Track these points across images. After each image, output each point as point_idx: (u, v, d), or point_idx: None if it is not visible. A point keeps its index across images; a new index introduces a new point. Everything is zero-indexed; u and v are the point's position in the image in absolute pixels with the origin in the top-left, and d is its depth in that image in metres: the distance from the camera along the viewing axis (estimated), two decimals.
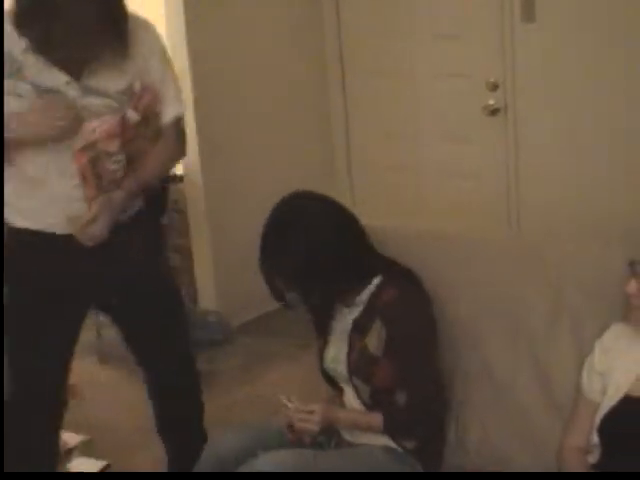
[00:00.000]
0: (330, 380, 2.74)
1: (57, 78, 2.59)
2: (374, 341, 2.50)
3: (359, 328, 2.55)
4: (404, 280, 2.57)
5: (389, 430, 2.52)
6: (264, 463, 2.43)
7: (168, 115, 2.80)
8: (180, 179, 5.21)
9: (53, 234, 2.74)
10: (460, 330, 2.67)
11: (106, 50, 2.56)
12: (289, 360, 4.27)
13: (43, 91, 2.59)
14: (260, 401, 3.81)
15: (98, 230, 2.70)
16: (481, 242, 2.80)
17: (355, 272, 2.54)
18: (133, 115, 2.71)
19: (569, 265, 2.63)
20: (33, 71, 2.57)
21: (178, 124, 2.85)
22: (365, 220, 2.61)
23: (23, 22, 2.46)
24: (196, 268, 5.15)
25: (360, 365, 2.54)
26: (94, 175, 2.68)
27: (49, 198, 2.71)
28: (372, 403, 2.56)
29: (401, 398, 2.50)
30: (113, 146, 2.67)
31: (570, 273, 2.60)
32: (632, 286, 2.22)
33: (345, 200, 5.35)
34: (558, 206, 4.67)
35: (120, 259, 2.83)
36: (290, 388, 3.61)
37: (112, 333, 3.42)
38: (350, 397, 2.64)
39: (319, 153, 5.52)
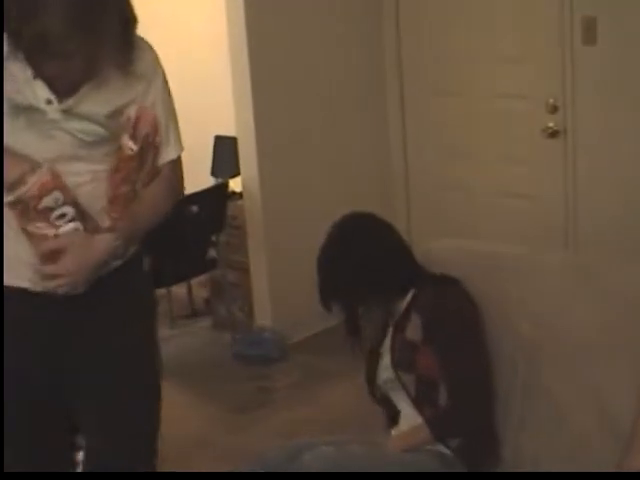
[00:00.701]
0: (383, 401, 2.78)
1: (38, 94, 2.15)
2: (411, 330, 2.63)
3: (399, 327, 2.67)
4: (440, 281, 2.72)
5: (433, 430, 2.58)
6: (311, 457, 2.49)
7: (169, 154, 2.40)
8: (239, 195, 5.26)
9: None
10: (520, 349, 2.67)
11: (109, 60, 2.10)
12: (345, 379, 4.27)
13: (21, 110, 2.15)
14: (316, 420, 3.82)
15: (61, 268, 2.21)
16: (539, 262, 2.79)
17: (396, 284, 2.72)
18: (130, 145, 2.30)
19: (627, 287, 2.62)
20: (10, 85, 2.13)
21: (177, 163, 2.45)
22: (420, 239, 2.66)
23: (14, 17, 1.99)
24: (253, 284, 5.18)
25: (402, 355, 2.65)
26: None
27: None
28: (418, 398, 2.62)
29: (444, 395, 2.59)
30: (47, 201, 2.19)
31: (628, 295, 2.59)
32: None
33: (401, 219, 5.47)
34: (616, 231, 4.63)
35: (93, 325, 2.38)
36: (346, 408, 3.63)
37: None
38: (401, 402, 2.69)
39: (377, 171, 5.54)
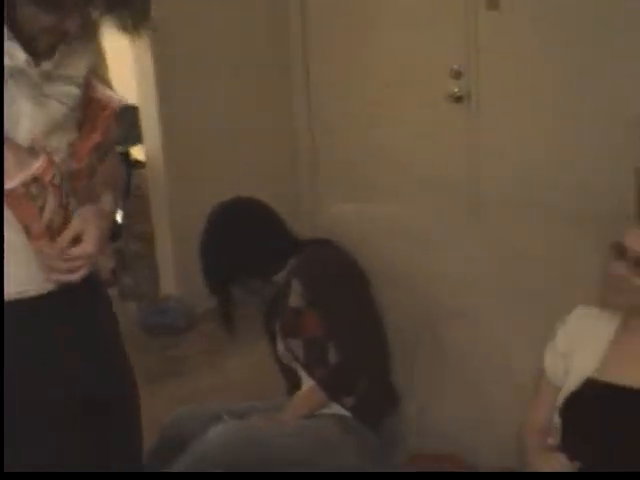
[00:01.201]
0: (285, 370, 2.81)
1: (16, 55, 1.89)
2: (294, 297, 2.67)
3: (282, 296, 2.71)
4: (317, 245, 2.79)
5: (326, 389, 2.61)
6: (214, 435, 2.49)
7: None
8: (142, 165, 5.17)
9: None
10: (420, 310, 2.69)
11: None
12: (251, 347, 4.25)
13: (8, 73, 1.89)
14: (224, 387, 3.80)
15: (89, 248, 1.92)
16: (443, 225, 2.81)
17: (275, 259, 2.77)
18: None
19: (528, 248, 2.65)
20: None
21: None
22: (328, 203, 2.66)
23: None
24: (157, 254, 5.11)
25: (287, 322, 2.70)
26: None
27: None
28: (308, 361, 2.66)
29: (333, 355, 2.62)
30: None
31: (530, 256, 2.62)
32: (618, 267, 2.21)
33: (308, 186, 5.45)
34: (521, 192, 4.68)
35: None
36: (252, 376, 3.62)
37: None
38: (300, 369, 2.72)
39: (282, 138, 5.51)
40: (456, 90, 4.84)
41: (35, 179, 1.85)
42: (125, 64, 5.01)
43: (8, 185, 1.83)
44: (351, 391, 2.63)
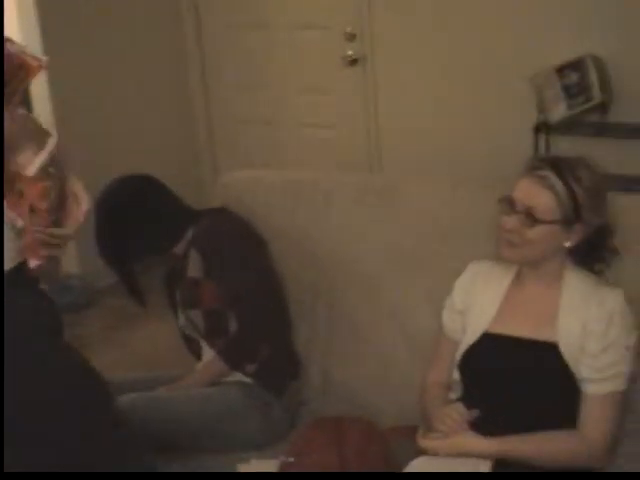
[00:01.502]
0: (188, 341, 2.80)
1: None
2: (192, 267, 2.65)
3: (181, 267, 2.69)
4: (212, 214, 2.77)
5: (225, 359, 2.61)
6: (119, 405, 2.44)
7: None
8: None
9: None
10: (319, 276, 2.69)
11: None
12: (155, 320, 4.21)
13: None
14: (129, 361, 3.76)
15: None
16: (339, 185, 2.80)
17: (171, 234, 2.72)
18: None
19: (436, 210, 2.67)
20: None
21: None
22: (224, 171, 2.63)
23: None
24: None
25: (187, 293, 2.68)
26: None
27: None
28: (208, 331, 2.66)
29: (233, 324, 2.62)
30: None
31: (436, 217, 2.64)
32: (508, 221, 2.22)
33: (206, 155, 5.39)
34: (418, 154, 4.71)
35: None
36: (156, 349, 3.58)
37: None
38: (203, 345, 2.73)
39: (178, 109, 5.44)
40: (350, 53, 4.84)
41: (52, 158, 1.87)
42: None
43: (30, 171, 1.83)
44: (251, 359, 2.63)
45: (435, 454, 2.17)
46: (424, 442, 2.21)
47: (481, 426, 2.16)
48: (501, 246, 2.26)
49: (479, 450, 2.14)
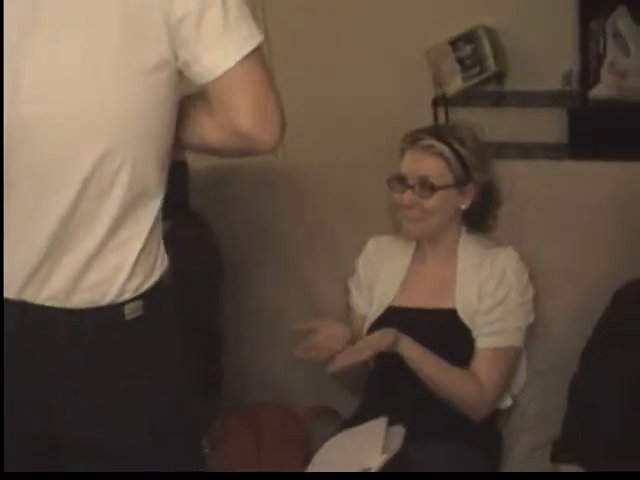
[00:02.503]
0: None
1: None
2: None
3: None
4: None
5: None
6: None
7: None
8: None
9: None
10: (233, 264, 2.68)
11: None
12: None
13: None
14: None
15: None
16: (243, 168, 2.78)
17: None
18: None
19: (331, 184, 2.69)
20: None
21: None
22: None
23: None
24: None
25: None
26: None
27: None
28: None
29: None
30: None
31: (333, 191, 2.67)
32: (403, 198, 2.25)
33: None
34: (319, 130, 4.66)
35: None
36: None
37: None
38: None
39: None
40: None
41: None
42: None
43: None
44: None
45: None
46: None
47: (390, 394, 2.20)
48: (403, 224, 2.30)
49: (405, 342, 2.15)
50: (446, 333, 2.21)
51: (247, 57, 1.45)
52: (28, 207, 1.50)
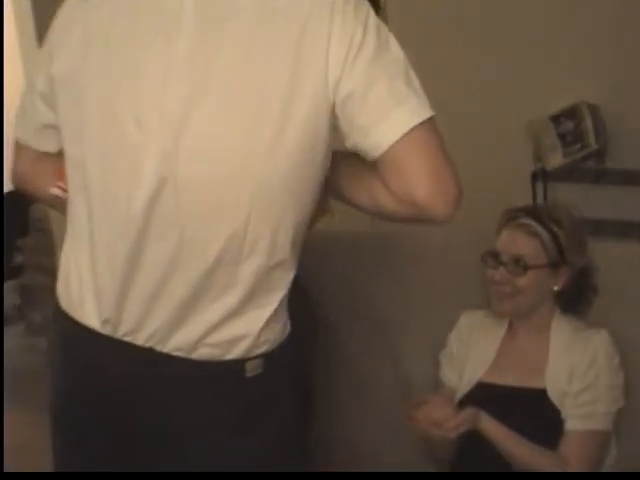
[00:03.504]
0: None
1: None
2: None
3: None
4: None
5: None
6: None
7: None
8: None
9: None
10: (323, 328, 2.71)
11: None
12: None
13: None
14: None
15: None
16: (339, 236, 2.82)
17: None
18: None
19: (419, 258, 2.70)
20: None
21: None
22: None
23: None
24: None
25: None
26: None
27: None
28: None
29: None
30: None
31: (420, 265, 2.68)
32: (496, 273, 2.27)
33: None
34: None
35: None
36: None
37: None
38: None
39: None
40: None
41: None
42: None
43: None
44: None
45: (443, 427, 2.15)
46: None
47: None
48: (494, 300, 2.32)
49: (486, 423, 2.15)
50: (535, 414, 2.21)
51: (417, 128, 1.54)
52: (171, 259, 1.55)
